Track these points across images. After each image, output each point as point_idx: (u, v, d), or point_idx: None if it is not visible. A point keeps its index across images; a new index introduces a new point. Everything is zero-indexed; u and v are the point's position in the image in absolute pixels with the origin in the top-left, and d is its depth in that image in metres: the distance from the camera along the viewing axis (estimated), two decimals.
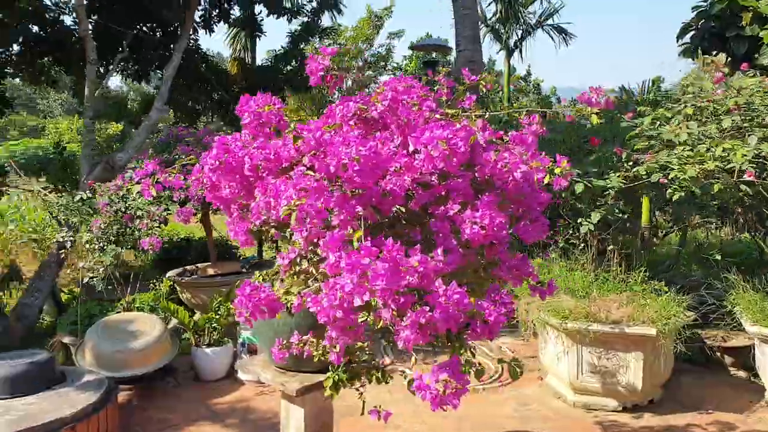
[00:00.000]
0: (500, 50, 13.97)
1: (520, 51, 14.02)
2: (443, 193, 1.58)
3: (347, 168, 1.38)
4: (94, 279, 3.44)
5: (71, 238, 3.78)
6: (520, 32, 13.83)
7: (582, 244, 3.83)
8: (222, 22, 7.03)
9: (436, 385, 1.32)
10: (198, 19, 6.60)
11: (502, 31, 13.56)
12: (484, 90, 1.98)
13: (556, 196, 3.55)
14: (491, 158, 1.54)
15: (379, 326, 1.46)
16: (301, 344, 1.84)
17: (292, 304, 1.56)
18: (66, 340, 3.66)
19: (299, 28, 7.82)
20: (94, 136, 5.44)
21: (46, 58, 6.80)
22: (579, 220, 3.70)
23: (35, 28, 6.55)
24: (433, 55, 9.24)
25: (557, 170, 1.53)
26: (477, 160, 1.56)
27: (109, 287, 3.90)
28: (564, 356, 3.46)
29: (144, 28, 6.20)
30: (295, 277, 1.67)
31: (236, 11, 7.43)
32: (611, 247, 3.76)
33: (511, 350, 4.46)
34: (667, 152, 3.14)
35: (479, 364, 1.70)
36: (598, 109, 1.67)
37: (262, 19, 7.85)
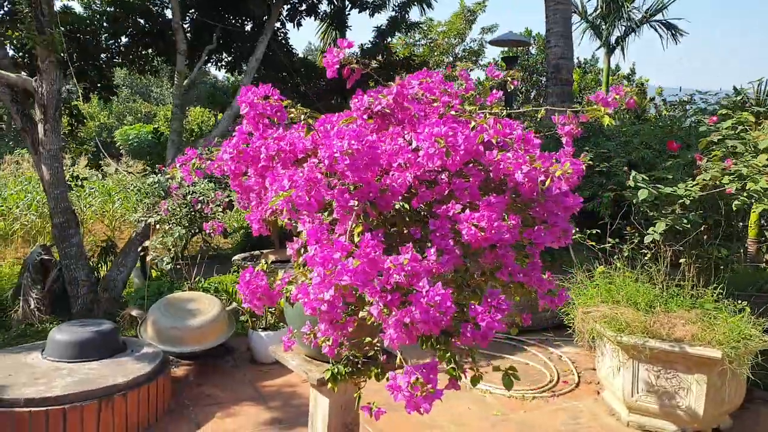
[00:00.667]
0: (599, 47, 13.31)
1: (622, 49, 13.28)
2: (447, 192, 1.53)
3: (338, 161, 1.37)
4: (159, 258, 3.66)
5: (146, 219, 4.04)
6: (623, 29, 13.10)
7: (652, 254, 3.58)
8: (310, 16, 7.21)
9: (408, 387, 1.28)
10: (285, 13, 6.81)
11: (603, 27, 12.90)
12: (512, 87, 1.89)
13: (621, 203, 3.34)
14: (495, 157, 1.47)
15: (369, 322, 1.45)
16: (312, 334, 1.86)
17: (290, 293, 1.58)
18: (134, 313, 3.93)
19: (386, 22, 7.87)
20: (181, 123, 5.77)
21: (149, 49, 7.30)
22: (650, 229, 3.47)
23: (141, 21, 7.05)
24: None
25: (557, 172, 1.42)
26: (483, 159, 1.49)
27: (178, 266, 4.13)
28: (619, 371, 3.26)
29: (234, 21, 6.47)
30: (300, 267, 1.69)
31: (324, 5, 7.59)
32: (683, 260, 3.48)
33: (571, 360, 4.26)
34: (747, 159, 2.86)
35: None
36: (613, 110, 1.55)
37: (349, 13, 7.96)
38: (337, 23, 7.95)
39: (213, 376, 3.80)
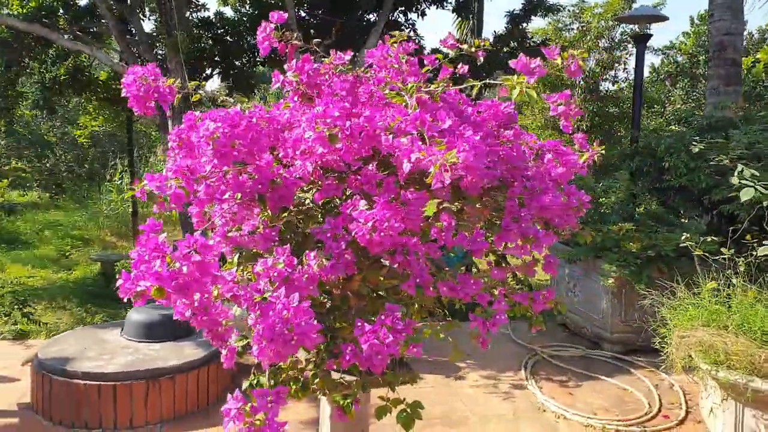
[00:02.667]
0: None
1: None
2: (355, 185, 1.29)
3: (209, 143, 1.20)
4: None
5: None
6: None
7: None
8: (435, 5, 7.00)
9: (235, 413, 1.08)
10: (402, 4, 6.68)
11: None
12: (482, 60, 1.56)
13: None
14: (401, 145, 1.18)
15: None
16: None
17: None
18: None
19: (521, 6, 7.37)
20: None
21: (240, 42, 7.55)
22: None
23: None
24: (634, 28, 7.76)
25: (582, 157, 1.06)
26: (381, 147, 1.22)
27: None
28: (719, 411, 2.64)
29: (350, 16, 6.50)
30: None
31: None
32: None
33: (684, 391, 3.58)
34: None
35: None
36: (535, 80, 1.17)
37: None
38: (466, 12, 7.62)
39: None
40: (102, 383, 2.86)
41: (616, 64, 9.93)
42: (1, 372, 3.56)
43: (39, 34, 5.59)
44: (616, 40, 9.94)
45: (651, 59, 15.33)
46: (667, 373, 3.84)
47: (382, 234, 1.15)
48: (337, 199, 1.35)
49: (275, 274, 1.16)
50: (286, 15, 1.48)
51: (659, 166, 4.76)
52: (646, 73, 12.59)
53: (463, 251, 7.98)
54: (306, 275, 1.19)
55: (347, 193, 1.34)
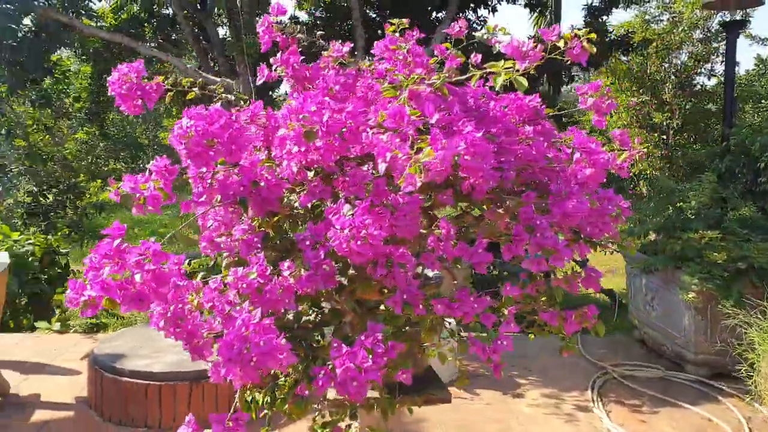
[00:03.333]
0: None
1: None
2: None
3: (181, 142, 1.12)
4: None
5: None
6: None
7: None
8: (507, 1, 6.74)
9: None
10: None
11: None
12: (498, 47, 1.39)
13: None
14: (379, 143, 1.04)
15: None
16: None
17: None
18: None
19: None
20: None
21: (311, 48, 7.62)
22: None
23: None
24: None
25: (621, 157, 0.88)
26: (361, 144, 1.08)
27: None
28: None
29: (416, 14, 6.36)
30: None
31: None
32: None
33: None
34: None
35: None
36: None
37: None
38: (542, 7, 7.28)
39: None
40: (148, 382, 2.90)
41: (713, 57, 9.15)
42: (66, 364, 3.73)
43: (124, 44, 5.88)
44: (713, 31, 9.17)
45: (757, 50, 14.09)
46: (763, 406, 3.42)
47: (358, 243, 1.02)
48: (328, 203, 1.23)
49: (244, 285, 1.06)
50: (286, 9, 1.37)
51: (754, 167, 4.28)
52: (751, 65, 11.55)
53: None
54: (280, 287, 1.08)
55: (340, 197, 1.22)
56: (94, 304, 0.93)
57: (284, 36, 1.39)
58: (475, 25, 6.91)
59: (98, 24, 6.71)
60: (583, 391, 3.59)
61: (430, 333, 1.34)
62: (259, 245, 1.20)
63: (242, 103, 1.35)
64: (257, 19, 6.96)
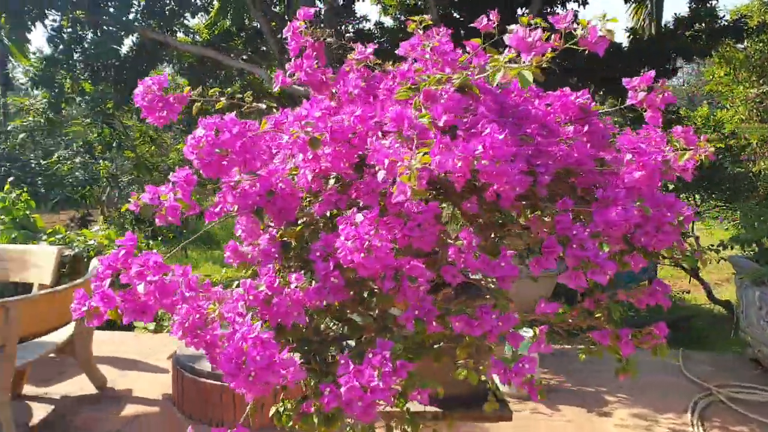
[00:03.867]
0: None
1: None
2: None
3: (194, 152, 1.11)
4: None
5: None
6: None
7: None
8: None
9: None
10: None
11: None
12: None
13: None
14: (382, 148, 0.97)
15: None
16: None
17: None
18: None
19: None
20: None
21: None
22: None
23: None
24: None
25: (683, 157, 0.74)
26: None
27: None
28: None
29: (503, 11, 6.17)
30: None
31: None
32: None
33: None
34: None
35: None
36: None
37: None
38: None
39: None
40: (223, 384, 2.98)
41: None
42: (158, 363, 3.94)
43: (215, 58, 6.20)
44: None
45: None
46: None
47: (362, 255, 0.96)
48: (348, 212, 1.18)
49: (251, 297, 1.03)
50: (312, 11, 1.34)
51: None
52: None
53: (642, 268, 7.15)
54: (290, 300, 1.05)
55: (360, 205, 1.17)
56: (99, 314, 0.94)
57: (313, 41, 1.36)
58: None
59: (194, 39, 7.13)
60: (681, 414, 3.28)
61: (466, 349, 1.25)
62: (276, 255, 1.17)
63: (273, 110, 1.33)
64: (340, 28, 7.09)
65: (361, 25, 7.66)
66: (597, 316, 1.42)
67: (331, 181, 1.18)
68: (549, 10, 6.78)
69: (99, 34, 6.05)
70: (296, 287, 1.03)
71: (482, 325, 1.02)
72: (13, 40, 7.95)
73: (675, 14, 6.56)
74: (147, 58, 6.40)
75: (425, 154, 0.84)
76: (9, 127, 8.76)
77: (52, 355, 3.32)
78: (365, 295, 1.07)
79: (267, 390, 1.02)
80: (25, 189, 5.11)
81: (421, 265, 1.02)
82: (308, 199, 1.19)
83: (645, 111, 1.21)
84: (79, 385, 3.50)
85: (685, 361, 3.97)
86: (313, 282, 1.05)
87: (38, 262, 3.68)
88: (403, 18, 8.05)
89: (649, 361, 4.03)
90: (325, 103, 1.04)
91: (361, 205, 1.15)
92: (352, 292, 1.06)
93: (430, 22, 1.22)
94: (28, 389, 3.44)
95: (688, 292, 7.08)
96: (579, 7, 6.60)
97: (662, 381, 3.69)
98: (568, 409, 3.33)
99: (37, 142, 8.91)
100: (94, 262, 3.55)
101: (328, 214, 1.18)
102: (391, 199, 1.03)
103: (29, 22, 5.76)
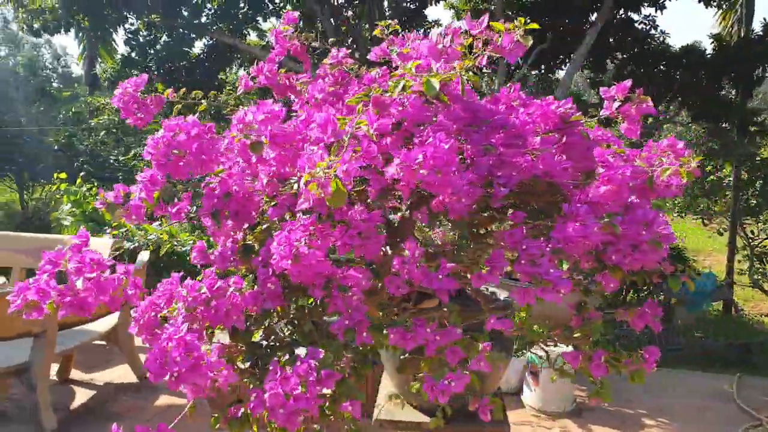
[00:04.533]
0: None
1: None
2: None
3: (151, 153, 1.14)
4: None
5: None
6: None
7: None
8: None
9: None
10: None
11: None
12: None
13: None
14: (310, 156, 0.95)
15: None
16: None
17: None
18: None
19: None
20: None
21: None
22: None
23: None
24: None
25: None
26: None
27: None
28: None
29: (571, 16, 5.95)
30: None
31: None
32: None
33: None
34: None
35: None
36: None
37: None
38: (728, 1, 6.36)
39: None
40: None
41: None
42: None
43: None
44: None
45: None
46: None
47: (289, 261, 0.95)
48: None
49: (191, 298, 1.05)
50: (296, 15, 1.34)
51: None
52: None
53: (711, 284, 6.63)
54: (229, 303, 1.05)
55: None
56: (36, 307, 0.98)
57: (300, 44, 1.36)
58: (641, 25, 6.31)
59: (268, 42, 7.35)
60: None
61: (428, 362, 1.21)
62: (233, 259, 1.18)
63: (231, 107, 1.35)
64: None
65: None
66: (575, 336, 1.34)
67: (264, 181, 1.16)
68: (624, 14, 6.49)
69: (172, 36, 6.36)
70: (234, 291, 1.03)
71: (415, 338, 0.98)
72: (101, 43, 8.53)
73: (764, 19, 6.10)
74: (217, 60, 6.67)
75: (324, 162, 0.81)
76: (92, 124, 9.39)
77: (102, 343, 3.52)
78: (299, 302, 1.06)
79: (199, 391, 1.03)
80: (95, 183, 5.44)
81: (357, 274, 0.99)
82: (267, 203, 1.19)
83: (622, 122, 1.12)
84: (122, 373, 3.69)
85: (741, 387, 3.68)
86: (255, 286, 1.05)
87: None
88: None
89: (702, 386, 3.78)
90: (266, 107, 1.03)
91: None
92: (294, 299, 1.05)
93: (397, 27, 1.18)
94: (75, 374, 3.65)
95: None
96: (656, 12, 6.27)
97: (710, 407, 3.44)
98: (601, 430, 3.16)
99: (119, 139, 9.49)
100: (143, 256, 3.73)
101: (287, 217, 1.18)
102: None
103: (108, 26, 6.13)
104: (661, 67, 6.81)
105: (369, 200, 1.10)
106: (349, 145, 0.90)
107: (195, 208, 1.26)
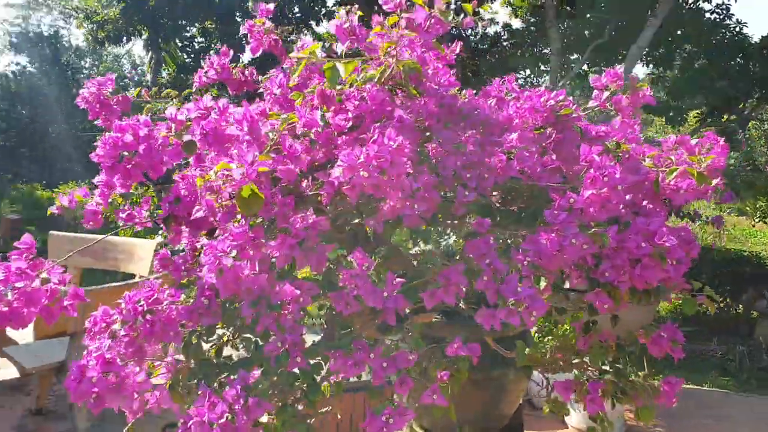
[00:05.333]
0: None
1: None
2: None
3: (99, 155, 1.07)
4: None
5: None
6: None
7: None
8: None
9: None
10: None
11: None
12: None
13: None
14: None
15: None
16: None
17: None
18: None
19: None
20: None
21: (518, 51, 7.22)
22: None
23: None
24: None
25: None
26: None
27: None
28: None
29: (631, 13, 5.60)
30: None
31: None
32: None
33: None
34: None
35: None
36: None
37: None
38: None
39: None
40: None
41: None
42: None
43: None
44: None
45: None
46: None
47: (212, 275, 0.85)
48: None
49: (128, 310, 0.97)
50: (271, 7, 1.24)
51: None
52: None
53: None
54: (164, 318, 0.97)
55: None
56: None
57: (276, 38, 1.26)
58: (713, 15, 5.87)
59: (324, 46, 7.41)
60: None
61: (375, 394, 1.07)
62: (183, 268, 1.09)
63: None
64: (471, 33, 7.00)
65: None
66: (575, 362, 1.17)
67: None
68: (693, 3, 6.07)
69: (226, 42, 6.49)
70: (169, 305, 0.95)
71: (357, 365, 0.86)
72: (164, 51, 8.84)
73: None
74: (271, 64, 6.73)
75: (222, 163, 0.71)
76: None
77: None
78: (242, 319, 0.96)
79: (132, 412, 0.95)
80: (149, 187, 5.57)
81: (293, 290, 0.88)
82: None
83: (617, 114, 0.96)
84: None
85: None
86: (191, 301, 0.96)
87: (143, 254, 3.97)
88: (531, 20, 7.72)
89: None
90: (202, 103, 0.94)
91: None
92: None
93: (361, 13, 1.07)
94: None
95: None
96: (729, 0, 5.82)
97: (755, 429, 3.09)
98: None
99: None
100: None
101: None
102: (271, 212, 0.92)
103: (165, 34, 6.31)
104: (739, 60, 6.33)
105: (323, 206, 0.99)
106: (273, 145, 0.79)
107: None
